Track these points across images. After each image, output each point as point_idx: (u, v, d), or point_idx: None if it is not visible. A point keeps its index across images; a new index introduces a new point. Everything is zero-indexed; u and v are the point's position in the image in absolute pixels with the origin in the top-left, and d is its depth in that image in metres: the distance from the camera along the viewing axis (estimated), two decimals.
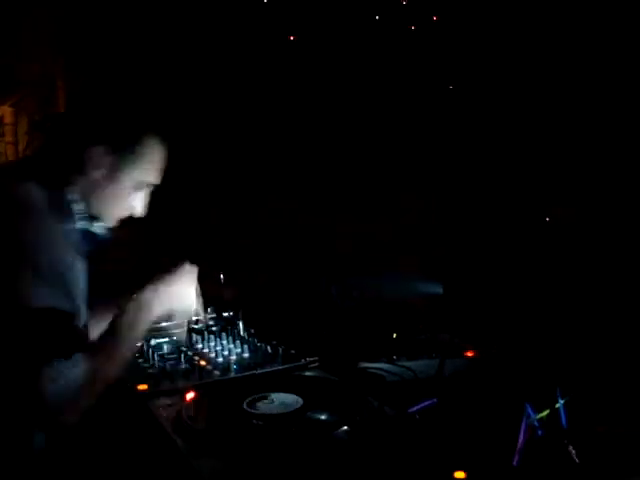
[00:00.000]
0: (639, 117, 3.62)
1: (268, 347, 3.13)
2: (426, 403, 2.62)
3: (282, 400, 2.60)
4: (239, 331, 3.33)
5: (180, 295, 2.84)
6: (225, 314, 3.53)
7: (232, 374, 2.92)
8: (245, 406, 2.56)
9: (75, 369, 2.35)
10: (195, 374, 2.92)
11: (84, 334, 2.59)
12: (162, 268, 2.89)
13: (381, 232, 3.83)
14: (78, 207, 2.66)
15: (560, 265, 3.35)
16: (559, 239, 3.47)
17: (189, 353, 3.14)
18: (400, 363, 3.01)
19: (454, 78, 4.11)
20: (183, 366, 3.01)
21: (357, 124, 4.32)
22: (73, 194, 2.65)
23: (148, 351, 3.14)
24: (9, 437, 2.36)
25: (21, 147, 7.27)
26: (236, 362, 3.00)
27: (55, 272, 2.42)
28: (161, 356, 3.11)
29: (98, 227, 2.78)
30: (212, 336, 3.29)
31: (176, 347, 3.22)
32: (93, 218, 2.73)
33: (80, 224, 2.68)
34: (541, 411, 2.42)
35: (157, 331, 3.43)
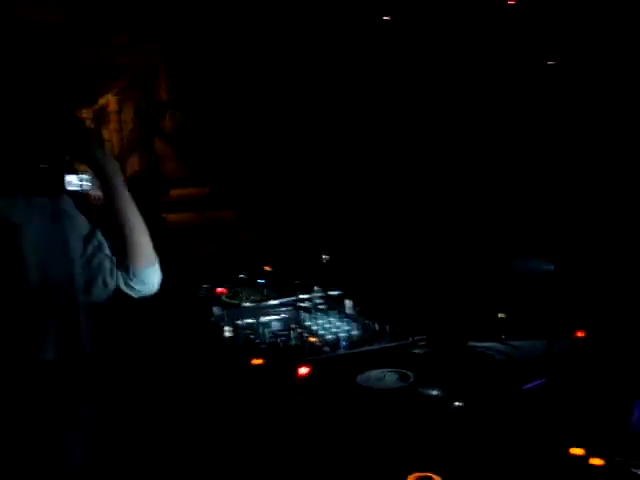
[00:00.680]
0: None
1: (376, 325, 3.19)
2: (537, 382, 2.64)
3: (394, 376, 2.66)
4: (346, 309, 3.40)
5: None
6: (332, 293, 3.61)
7: (341, 350, 2.99)
8: (358, 381, 2.64)
9: None
10: (305, 350, 3.01)
11: None
12: None
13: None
14: None
15: None
16: None
17: (298, 330, 3.22)
18: (509, 343, 3.03)
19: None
20: (293, 342, 3.10)
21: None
22: None
23: (259, 328, 3.26)
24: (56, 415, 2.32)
25: (125, 134, 7.54)
26: (345, 339, 3.07)
27: None
28: (272, 333, 3.21)
29: None
30: (320, 314, 3.38)
31: (286, 324, 3.33)
32: None
33: None
34: None
35: (266, 309, 3.56)
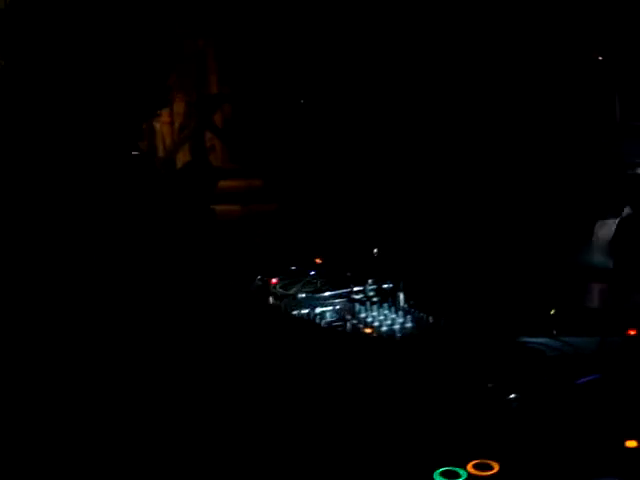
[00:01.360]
0: None
1: (430, 318, 3.27)
2: (590, 377, 2.70)
3: None
4: (399, 302, 3.48)
5: None
6: (385, 285, 3.69)
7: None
8: None
9: None
10: (360, 340, 3.11)
11: None
12: None
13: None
14: None
15: None
16: None
17: (353, 321, 3.32)
18: (561, 339, 3.09)
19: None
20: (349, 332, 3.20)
21: None
22: None
23: (315, 318, 3.36)
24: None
25: (176, 127, 7.68)
26: (399, 331, 3.16)
27: None
28: (328, 323, 3.32)
29: None
30: (374, 306, 3.46)
31: (340, 315, 3.43)
32: None
33: None
34: None
35: (321, 300, 3.66)
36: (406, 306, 3.47)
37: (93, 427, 2.38)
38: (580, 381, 2.67)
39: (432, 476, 2.06)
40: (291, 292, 3.81)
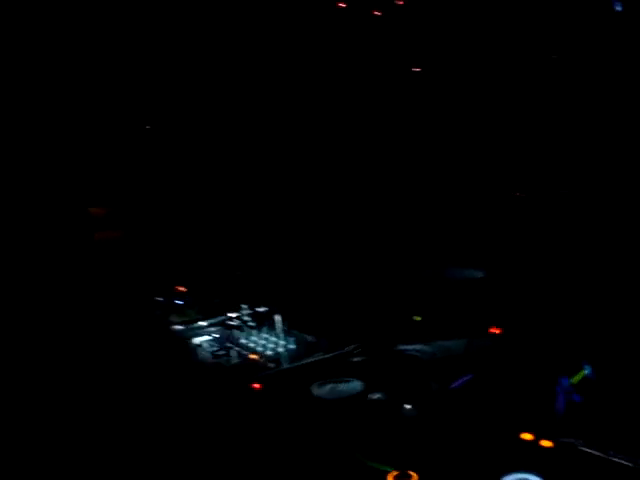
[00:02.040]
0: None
1: (310, 337, 3.41)
2: (465, 378, 2.97)
3: (345, 385, 2.90)
4: (277, 325, 3.58)
5: None
6: (260, 309, 3.78)
7: (284, 365, 3.19)
8: (314, 393, 2.86)
9: None
10: (250, 367, 3.19)
11: None
12: None
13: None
14: None
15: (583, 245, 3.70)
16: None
17: (237, 349, 3.38)
18: (432, 343, 3.35)
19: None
20: (236, 361, 3.26)
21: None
22: None
23: (196, 350, 3.39)
24: None
25: None
26: (285, 354, 3.27)
27: None
28: (212, 353, 3.36)
29: None
30: (253, 331, 3.55)
31: (221, 344, 3.48)
32: None
33: None
34: (572, 377, 2.79)
35: (197, 330, 3.69)
36: (283, 328, 3.58)
37: None
38: (455, 384, 2.93)
39: None
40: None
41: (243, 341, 3.49)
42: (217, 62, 4.95)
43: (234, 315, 3.75)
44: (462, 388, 2.90)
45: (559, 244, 3.83)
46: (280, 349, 3.34)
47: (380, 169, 4.40)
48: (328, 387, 2.90)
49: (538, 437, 2.35)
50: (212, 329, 3.71)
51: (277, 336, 3.49)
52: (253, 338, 3.50)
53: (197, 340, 3.55)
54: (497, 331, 3.35)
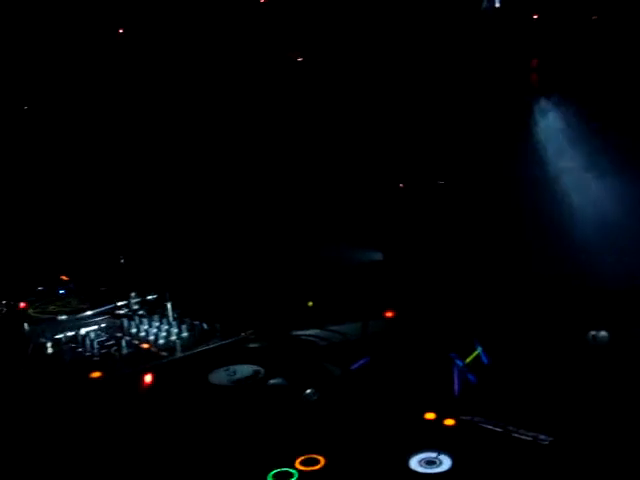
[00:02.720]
0: None
1: (204, 325, 3.32)
2: (362, 361, 2.98)
3: (243, 371, 2.85)
4: (168, 313, 3.48)
5: None
6: (149, 297, 3.66)
7: (179, 353, 3.10)
8: (211, 380, 2.79)
9: None
10: (142, 357, 3.07)
11: None
12: None
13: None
14: None
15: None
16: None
17: (127, 338, 3.25)
18: (328, 328, 3.35)
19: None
20: (126, 351, 3.13)
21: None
22: None
23: (85, 340, 3.23)
24: None
25: None
26: (179, 342, 3.17)
27: None
28: (100, 344, 3.21)
29: None
30: (144, 319, 3.43)
31: (111, 333, 3.34)
32: None
33: None
34: (466, 358, 2.86)
35: (84, 319, 3.53)
36: (175, 315, 3.47)
37: None
38: (354, 366, 2.93)
39: None
40: (48, 315, 3.62)
41: (134, 330, 3.36)
42: None
43: (122, 303, 3.60)
44: (360, 371, 2.91)
45: (450, 230, 3.93)
46: (173, 337, 3.24)
47: (276, 156, 4.36)
48: (225, 374, 2.83)
49: (440, 416, 2.38)
50: (100, 319, 3.55)
51: (169, 324, 3.38)
52: (144, 327, 3.37)
53: (83, 331, 3.38)
54: (391, 314, 3.39)
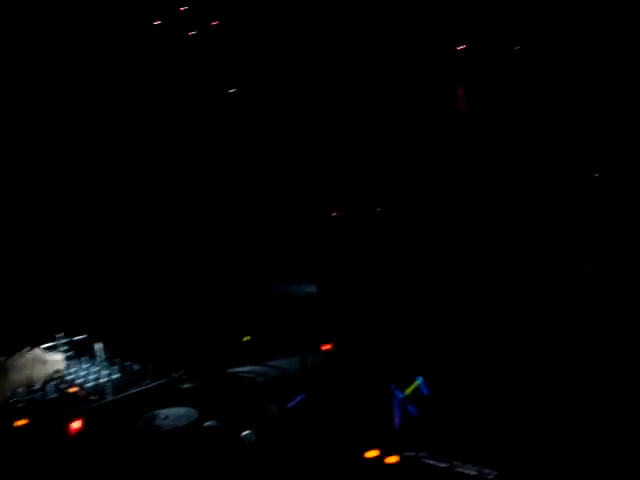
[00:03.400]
0: None
1: (135, 366, 3.20)
2: (299, 398, 2.90)
3: (176, 414, 2.73)
4: (98, 353, 3.33)
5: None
6: (77, 338, 3.51)
7: (110, 397, 2.96)
8: (141, 424, 2.67)
9: None
10: (70, 402, 2.93)
11: None
12: None
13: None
14: None
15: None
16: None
17: (54, 382, 3.10)
18: (265, 363, 3.26)
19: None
20: (53, 396, 2.98)
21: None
22: None
23: None
24: None
25: None
26: (109, 384, 3.04)
27: None
28: (25, 388, 3.05)
29: None
30: (72, 361, 3.28)
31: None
32: None
33: None
34: (405, 389, 2.82)
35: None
36: (105, 356, 3.32)
37: None
38: (291, 404, 2.85)
39: None
40: None
41: (61, 373, 3.20)
42: None
43: (49, 345, 3.44)
44: (299, 408, 2.83)
45: (387, 258, 3.91)
46: (103, 380, 3.10)
47: (202, 189, 4.29)
48: (158, 417, 2.72)
49: (383, 454, 2.32)
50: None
51: (99, 366, 3.24)
52: (72, 369, 3.22)
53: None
54: (329, 347, 3.33)
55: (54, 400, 2.95)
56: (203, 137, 4.55)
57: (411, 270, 3.82)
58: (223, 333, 3.53)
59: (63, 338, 3.47)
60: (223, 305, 3.78)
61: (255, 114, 4.53)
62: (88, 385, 3.07)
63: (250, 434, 2.54)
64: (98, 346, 3.35)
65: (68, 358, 3.33)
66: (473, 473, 2.17)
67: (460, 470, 2.19)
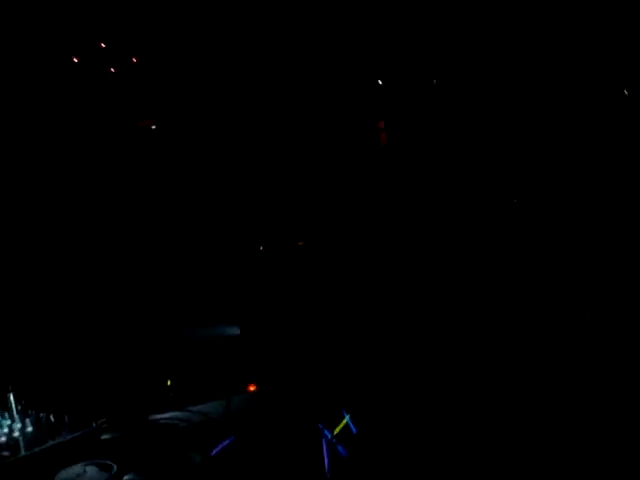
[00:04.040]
0: None
1: (51, 417, 3.04)
2: (225, 443, 2.81)
3: (95, 468, 2.60)
4: (11, 405, 3.15)
5: None
6: None
7: (22, 452, 2.81)
8: None
9: None
10: None
11: None
12: None
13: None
14: None
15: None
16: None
17: None
18: (188, 409, 3.15)
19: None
20: None
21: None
22: None
23: None
24: None
25: None
26: (22, 438, 2.88)
27: None
28: None
29: None
30: None
31: None
32: None
33: None
34: (334, 428, 2.76)
35: None
36: (18, 408, 3.15)
37: None
38: (215, 451, 2.75)
39: None
40: None
41: None
42: None
43: None
44: (224, 454, 2.74)
45: (311, 295, 3.87)
46: (16, 433, 2.93)
47: (122, 229, 4.17)
48: (75, 473, 2.58)
49: None
50: None
51: (11, 418, 3.07)
52: None
53: None
54: (254, 388, 3.26)
55: None
56: (117, 178, 4.44)
57: (333, 305, 3.79)
58: (144, 378, 3.41)
59: None
60: (143, 350, 3.66)
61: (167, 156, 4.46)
62: (0, 440, 2.90)
63: None
64: (10, 397, 3.17)
65: None
66: None
67: None
